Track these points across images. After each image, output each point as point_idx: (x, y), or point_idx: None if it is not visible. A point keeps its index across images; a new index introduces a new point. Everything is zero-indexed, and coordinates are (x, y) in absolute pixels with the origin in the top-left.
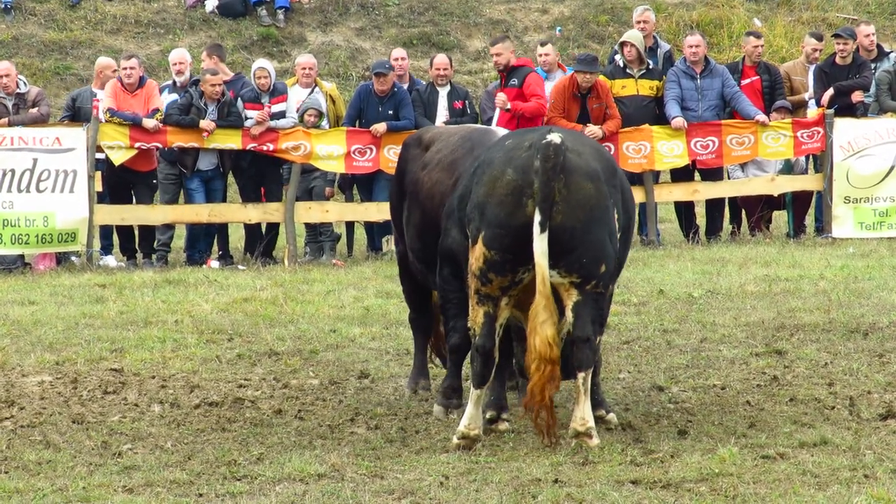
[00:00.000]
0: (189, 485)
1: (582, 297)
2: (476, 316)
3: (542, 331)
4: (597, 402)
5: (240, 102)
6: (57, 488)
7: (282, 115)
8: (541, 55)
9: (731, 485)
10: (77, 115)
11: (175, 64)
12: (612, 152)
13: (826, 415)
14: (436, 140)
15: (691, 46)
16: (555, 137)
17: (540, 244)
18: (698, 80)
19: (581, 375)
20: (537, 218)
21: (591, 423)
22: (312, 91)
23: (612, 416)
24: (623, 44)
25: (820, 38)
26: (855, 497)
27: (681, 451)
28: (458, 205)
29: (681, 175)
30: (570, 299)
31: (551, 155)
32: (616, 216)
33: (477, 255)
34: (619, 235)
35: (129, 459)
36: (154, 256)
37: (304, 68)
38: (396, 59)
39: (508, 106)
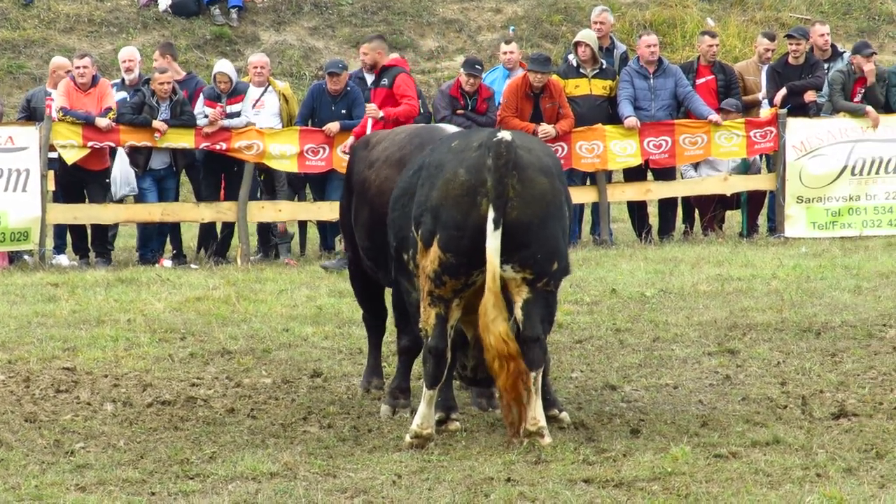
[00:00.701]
0: (142, 483)
1: (532, 295)
2: (428, 317)
3: (495, 328)
4: (549, 402)
5: (200, 100)
6: (9, 487)
7: (237, 114)
8: (505, 53)
9: (684, 484)
10: (33, 115)
11: (124, 62)
12: (565, 152)
13: (778, 414)
14: (382, 139)
15: (649, 46)
16: (505, 135)
17: (493, 241)
18: (651, 80)
19: (532, 375)
20: (491, 215)
21: (543, 422)
22: (266, 90)
23: (564, 415)
24: (577, 43)
25: (772, 38)
26: (807, 496)
27: (633, 449)
28: (393, 205)
29: (634, 174)
30: (521, 296)
31: (503, 152)
32: (567, 214)
33: (432, 259)
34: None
35: (82, 458)
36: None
37: (256, 67)
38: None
39: (381, 114)
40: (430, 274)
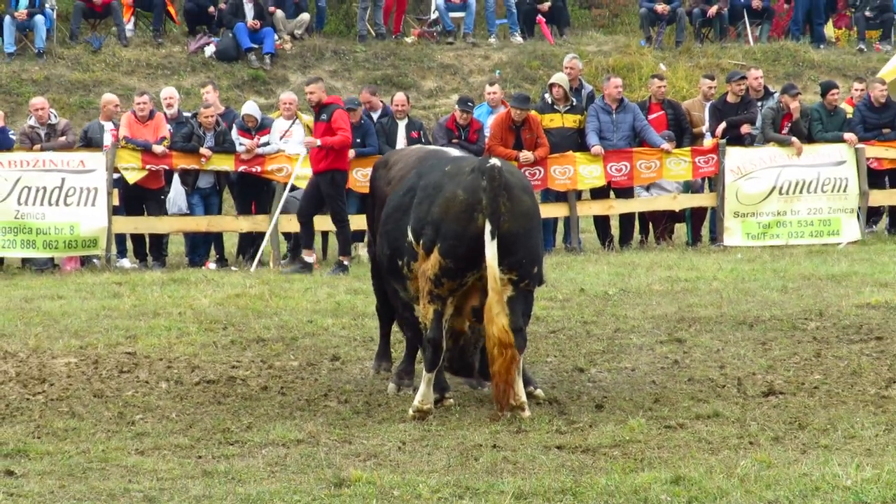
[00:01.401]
0: (190, 448)
1: (515, 294)
2: (427, 313)
3: (498, 321)
4: (526, 380)
5: (234, 129)
6: (81, 451)
7: (266, 144)
8: (489, 93)
9: (640, 450)
10: (89, 143)
11: (165, 99)
12: (542, 174)
13: (718, 392)
14: (398, 161)
15: (616, 87)
16: (496, 161)
17: (490, 249)
18: (614, 115)
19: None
20: (488, 228)
21: (524, 398)
22: (294, 122)
23: (539, 392)
24: (552, 85)
25: (712, 78)
26: (741, 460)
27: (598, 421)
28: (386, 220)
29: (599, 193)
30: (506, 294)
31: (496, 175)
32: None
33: (433, 264)
34: None
35: (141, 427)
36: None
37: (286, 103)
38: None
39: (318, 143)
40: (430, 277)
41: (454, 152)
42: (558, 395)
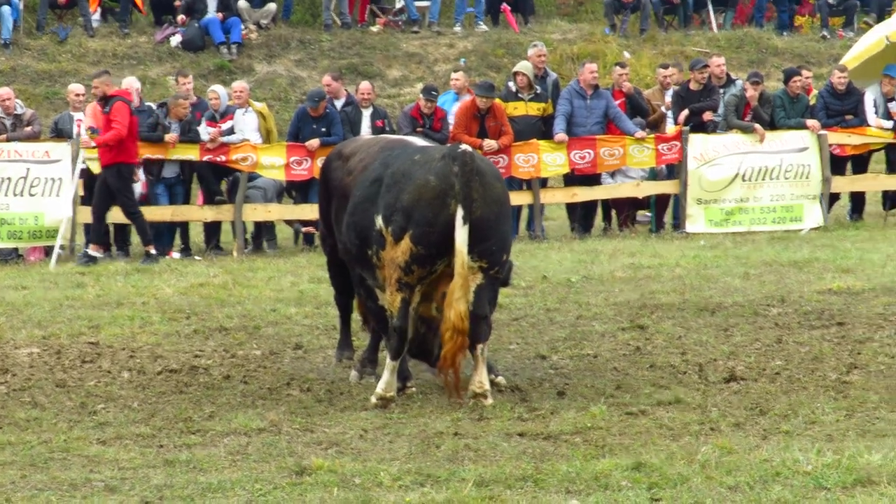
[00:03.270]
0: (152, 438)
1: (484, 281)
2: (394, 300)
3: (458, 306)
4: (488, 368)
5: (203, 122)
6: (42, 441)
7: (230, 130)
8: (453, 80)
9: (601, 437)
10: (60, 134)
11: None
12: (506, 162)
13: (679, 378)
14: (357, 151)
15: (592, 72)
16: (467, 147)
17: (461, 234)
18: (588, 101)
19: (479, 347)
20: (459, 213)
21: (488, 386)
22: (246, 111)
23: (501, 379)
24: (516, 73)
25: (666, 67)
26: (703, 446)
27: (559, 408)
28: (353, 210)
29: (570, 181)
30: (475, 281)
31: (468, 161)
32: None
33: (403, 251)
34: None
35: (103, 417)
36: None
37: (237, 91)
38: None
39: (92, 142)
40: (400, 264)
41: (419, 142)
42: (520, 383)
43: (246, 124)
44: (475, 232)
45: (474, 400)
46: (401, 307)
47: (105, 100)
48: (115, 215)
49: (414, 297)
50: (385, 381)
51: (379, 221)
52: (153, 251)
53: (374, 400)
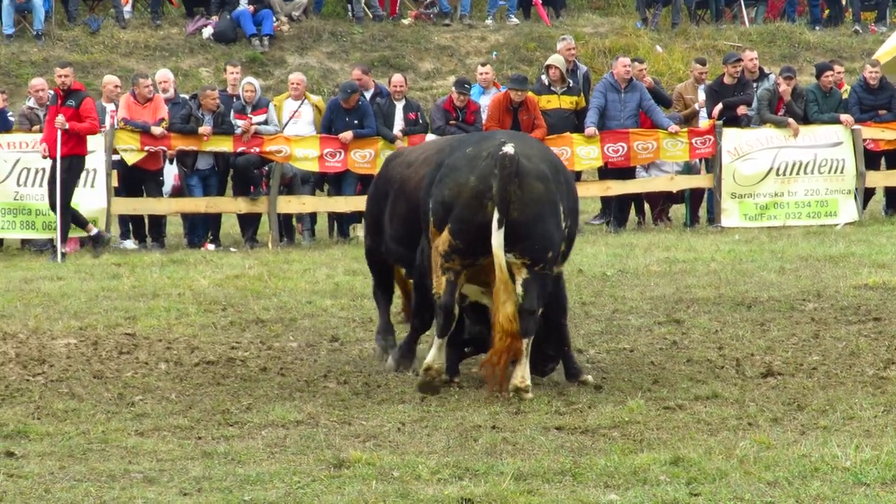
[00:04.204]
0: (190, 429)
1: (530, 276)
2: (440, 283)
3: (504, 309)
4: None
5: (231, 113)
6: (80, 432)
7: (263, 123)
8: (480, 73)
9: (639, 431)
10: None
11: (160, 82)
12: None
13: (716, 373)
14: (417, 149)
15: (625, 66)
16: (509, 148)
17: (497, 238)
18: (622, 94)
19: (524, 342)
20: (496, 216)
21: (529, 381)
22: (302, 103)
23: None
24: (548, 66)
25: (703, 63)
26: (740, 441)
27: (597, 402)
28: (426, 190)
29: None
30: (521, 276)
31: (507, 164)
32: (562, 209)
33: (444, 240)
34: (568, 221)
35: (140, 408)
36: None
37: (294, 83)
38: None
39: (66, 126)
40: (442, 252)
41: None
42: (557, 377)
43: (301, 118)
44: (514, 232)
45: (516, 394)
46: (447, 288)
47: (69, 92)
48: (151, 206)
49: (460, 279)
50: (432, 355)
51: (429, 205)
52: (94, 230)
53: (421, 371)
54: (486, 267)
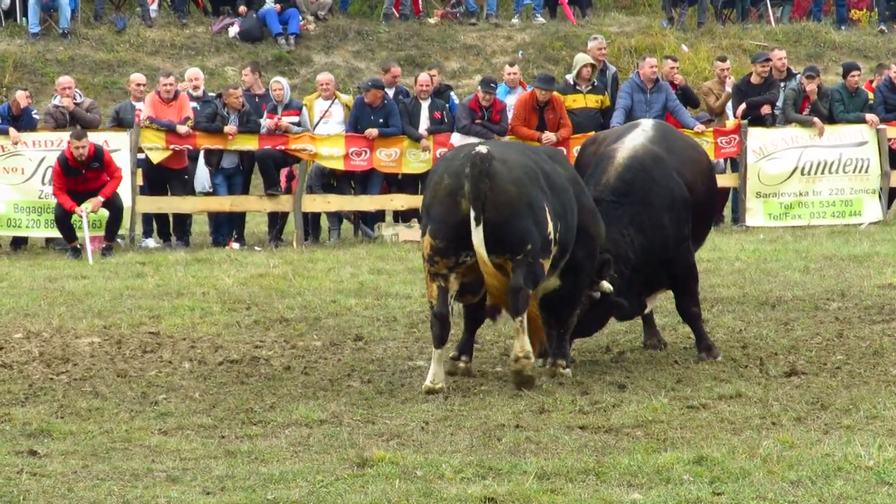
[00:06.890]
0: (214, 428)
1: (516, 263)
2: (431, 290)
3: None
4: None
5: (265, 114)
6: (104, 431)
7: (296, 125)
8: (508, 73)
9: (662, 430)
10: (121, 124)
11: (191, 80)
12: (564, 154)
13: (740, 372)
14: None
15: (651, 66)
16: (482, 148)
17: (476, 235)
18: (648, 94)
19: (518, 319)
20: (472, 214)
21: (529, 348)
22: (332, 102)
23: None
24: (584, 65)
25: (724, 60)
26: (764, 440)
27: (621, 401)
28: None
29: None
30: (509, 265)
31: (478, 162)
32: (546, 208)
33: (426, 244)
34: (557, 223)
35: (164, 407)
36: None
37: (323, 84)
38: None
39: (99, 208)
40: (425, 256)
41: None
42: (581, 376)
43: (332, 118)
44: (488, 234)
45: (516, 365)
46: (439, 295)
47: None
48: (176, 205)
49: (451, 285)
50: (433, 373)
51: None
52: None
53: (424, 390)
54: (471, 267)
